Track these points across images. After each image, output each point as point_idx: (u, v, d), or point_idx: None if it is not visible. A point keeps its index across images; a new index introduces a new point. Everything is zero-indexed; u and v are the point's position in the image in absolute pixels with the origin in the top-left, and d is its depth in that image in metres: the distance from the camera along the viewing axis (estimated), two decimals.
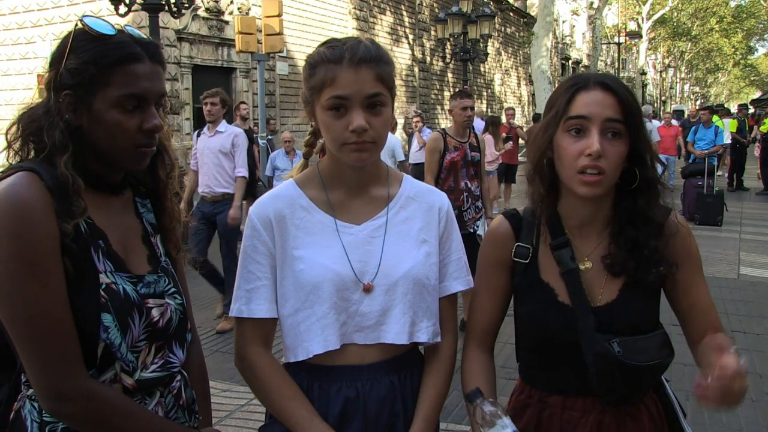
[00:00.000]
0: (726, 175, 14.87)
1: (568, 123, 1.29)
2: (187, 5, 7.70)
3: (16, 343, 1.11)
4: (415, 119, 10.59)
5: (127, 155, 1.21)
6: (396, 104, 1.39)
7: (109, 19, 1.23)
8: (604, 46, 38.37)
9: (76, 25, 1.18)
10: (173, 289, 1.31)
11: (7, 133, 1.20)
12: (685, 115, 18.44)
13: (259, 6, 13.63)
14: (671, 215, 1.36)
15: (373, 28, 23.19)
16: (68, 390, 1.10)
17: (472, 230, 4.75)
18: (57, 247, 1.10)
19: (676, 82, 60.52)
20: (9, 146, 1.19)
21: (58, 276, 1.10)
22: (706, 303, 1.37)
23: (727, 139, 12.59)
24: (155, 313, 1.23)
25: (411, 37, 25.74)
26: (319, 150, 1.48)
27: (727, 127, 12.36)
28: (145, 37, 1.23)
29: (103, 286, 1.15)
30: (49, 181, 1.11)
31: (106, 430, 1.16)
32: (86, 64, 1.14)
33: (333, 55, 1.27)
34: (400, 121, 15.55)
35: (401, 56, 24.52)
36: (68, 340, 1.10)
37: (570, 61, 40.42)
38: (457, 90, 5.73)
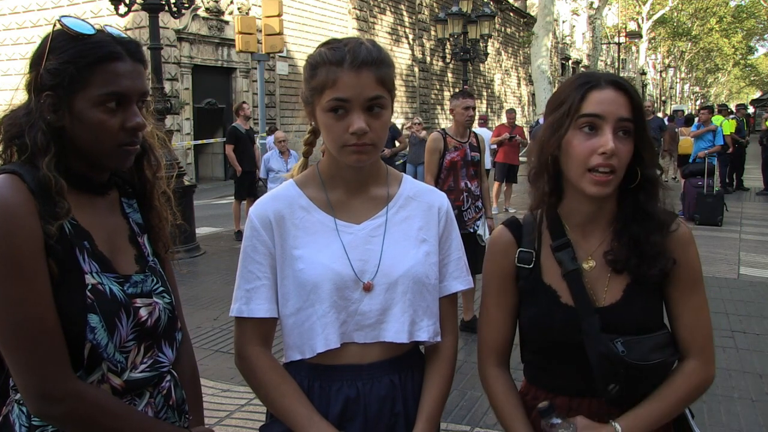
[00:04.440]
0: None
1: (580, 121, 1.28)
2: (187, 5, 7.69)
3: (1, 346, 1.10)
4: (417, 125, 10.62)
5: (111, 154, 1.19)
6: (395, 104, 1.39)
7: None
8: (604, 46, 38.38)
9: (55, 25, 1.16)
10: (161, 288, 1.29)
11: None
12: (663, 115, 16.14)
13: (259, 6, 13.63)
14: (676, 220, 1.35)
15: (373, 28, 23.20)
16: (56, 391, 1.09)
17: (472, 230, 4.75)
18: (41, 248, 1.08)
19: (676, 82, 60.57)
20: None
21: (42, 277, 1.08)
22: (692, 320, 1.34)
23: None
24: (143, 312, 1.22)
25: (411, 37, 25.75)
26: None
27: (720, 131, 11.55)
28: (125, 36, 1.22)
29: (89, 286, 1.14)
30: (31, 182, 1.10)
31: (95, 431, 1.15)
32: (66, 64, 1.13)
33: (334, 56, 1.26)
34: (400, 121, 15.51)
35: (401, 56, 24.53)
36: (54, 342, 1.09)
37: (570, 61, 40.43)
38: (457, 90, 5.71)
